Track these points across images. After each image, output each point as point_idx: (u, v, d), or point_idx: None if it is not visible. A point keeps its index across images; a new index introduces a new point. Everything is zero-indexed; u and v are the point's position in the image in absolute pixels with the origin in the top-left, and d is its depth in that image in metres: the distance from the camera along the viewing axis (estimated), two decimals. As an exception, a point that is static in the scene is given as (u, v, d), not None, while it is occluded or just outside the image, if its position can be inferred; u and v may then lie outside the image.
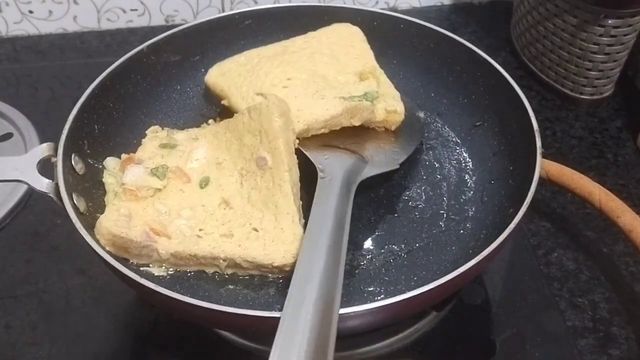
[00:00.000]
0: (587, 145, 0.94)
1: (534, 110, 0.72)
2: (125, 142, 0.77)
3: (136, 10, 1.12)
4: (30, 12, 1.09)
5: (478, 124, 0.79)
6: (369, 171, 0.70)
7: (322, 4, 0.89)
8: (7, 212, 0.83)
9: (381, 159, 0.73)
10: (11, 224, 0.83)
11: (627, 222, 0.68)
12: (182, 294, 0.57)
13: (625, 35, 0.91)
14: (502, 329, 0.74)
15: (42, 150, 0.67)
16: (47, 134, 0.92)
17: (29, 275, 0.78)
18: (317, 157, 0.70)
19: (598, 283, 0.78)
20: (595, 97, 0.99)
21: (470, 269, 0.58)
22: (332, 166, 0.69)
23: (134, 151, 0.75)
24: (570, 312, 0.75)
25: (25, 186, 0.84)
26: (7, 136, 0.94)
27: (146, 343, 0.73)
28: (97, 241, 0.63)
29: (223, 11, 1.13)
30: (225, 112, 0.79)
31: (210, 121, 0.81)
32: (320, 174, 0.67)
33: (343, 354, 0.70)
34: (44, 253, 0.80)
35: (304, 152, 0.70)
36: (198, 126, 0.79)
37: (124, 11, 1.12)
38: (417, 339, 0.72)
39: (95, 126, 0.75)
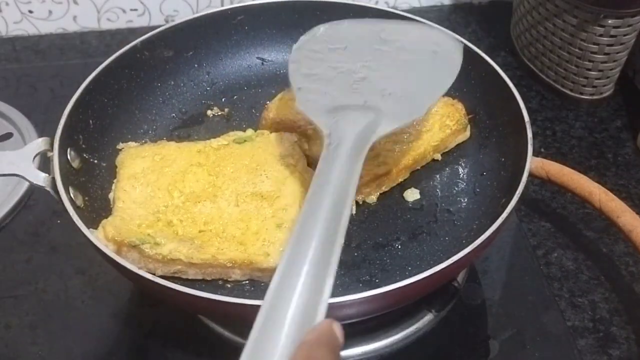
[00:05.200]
0: (587, 145, 0.94)
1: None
2: (120, 136, 0.78)
3: (136, 10, 1.12)
4: (30, 12, 1.09)
5: (470, 116, 0.79)
6: (386, 127, 0.59)
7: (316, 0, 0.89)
8: (7, 212, 0.83)
9: (402, 107, 0.62)
10: (11, 223, 0.83)
11: (627, 222, 0.68)
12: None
13: (625, 35, 0.91)
14: (502, 329, 0.74)
15: (38, 144, 0.68)
16: (46, 134, 0.91)
17: (29, 275, 0.78)
18: (325, 121, 0.60)
19: (598, 283, 0.78)
20: (595, 97, 0.99)
21: (462, 258, 0.59)
22: (341, 130, 0.58)
23: (127, 141, 0.77)
24: (570, 312, 0.75)
25: (25, 186, 0.85)
26: (7, 136, 0.94)
27: (146, 342, 0.73)
28: (95, 234, 0.63)
29: (223, 11, 1.13)
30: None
31: (209, 112, 0.84)
32: (325, 141, 0.58)
33: (342, 354, 0.70)
34: (44, 253, 0.80)
35: (310, 116, 0.63)
36: (193, 121, 0.82)
37: (124, 11, 1.12)
38: (417, 339, 0.72)
39: (90, 121, 0.75)
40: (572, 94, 1.00)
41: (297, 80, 0.66)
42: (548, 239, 0.82)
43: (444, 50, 0.68)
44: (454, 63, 0.67)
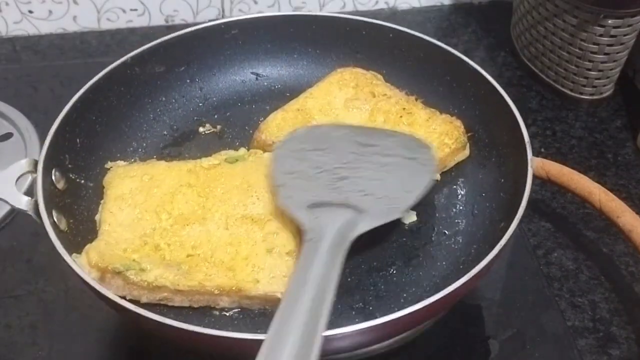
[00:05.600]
0: (587, 145, 0.94)
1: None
2: (109, 155, 0.77)
3: (136, 10, 1.12)
4: (30, 12, 1.09)
5: (468, 134, 0.78)
6: (365, 225, 0.62)
7: (310, 13, 0.88)
8: (8, 212, 0.83)
9: (381, 207, 0.65)
10: (11, 223, 0.83)
11: (627, 222, 0.68)
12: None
13: (625, 35, 0.91)
14: (502, 329, 0.74)
15: (22, 166, 0.67)
16: (47, 134, 0.91)
17: (29, 275, 0.78)
18: (306, 216, 0.63)
19: (598, 283, 0.78)
20: (595, 97, 0.99)
21: (459, 287, 0.58)
22: (322, 225, 0.60)
23: (116, 159, 0.75)
24: (570, 312, 0.75)
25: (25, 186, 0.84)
26: (7, 136, 0.94)
27: (147, 343, 0.73)
28: (77, 260, 0.62)
29: (223, 12, 1.13)
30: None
31: (201, 129, 0.83)
32: (306, 236, 0.60)
33: (342, 354, 0.70)
34: (44, 253, 0.80)
35: (290, 211, 0.65)
36: (184, 138, 0.81)
37: (124, 11, 1.12)
38: (417, 338, 0.72)
39: (78, 140, 0.74)
40: (572, 94, 1.00)
41: (279, 177, 0.68)
42: (548, 239, 0.82)
43: (419, 156, 0.70)
44: (429, 169, 0.70)
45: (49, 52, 1.09)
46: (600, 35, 0.91)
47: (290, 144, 0.72)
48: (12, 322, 0.74)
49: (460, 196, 0.76)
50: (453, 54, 0.81)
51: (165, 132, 0.83)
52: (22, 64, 1.07)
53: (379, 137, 0.73)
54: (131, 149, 0.80)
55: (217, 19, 1.06)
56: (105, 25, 1.13)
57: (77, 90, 0.74)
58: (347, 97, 0.80)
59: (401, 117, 0.78)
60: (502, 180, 0.74)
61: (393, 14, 1.16)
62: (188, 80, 0.86)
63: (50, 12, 1.10)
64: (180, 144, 0.82)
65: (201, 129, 0.83)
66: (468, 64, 0.79)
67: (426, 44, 0.83)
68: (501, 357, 0.71)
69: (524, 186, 0.66)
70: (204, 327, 0.55)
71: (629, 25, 0.90)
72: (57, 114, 0.71)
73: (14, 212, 0.84)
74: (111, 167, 0.74)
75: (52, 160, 0.68)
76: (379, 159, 0.70)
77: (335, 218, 0.61)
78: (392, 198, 0.66)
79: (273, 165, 0.70)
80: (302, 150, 0.71)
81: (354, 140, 0.72)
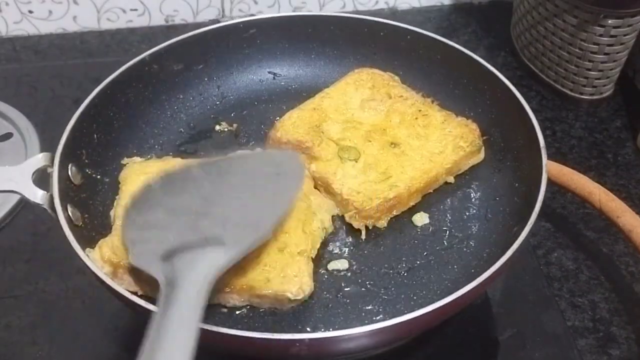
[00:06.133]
0: (587, 145, 0.94)
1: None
2: (125, 151, 0.77)
3: (136, 10, 1.12)
4: (30, 12, 1.09)
5: (484, 138, 0.78)
6: (229, 257, 0.58)
7: (329, 14, 0.88)
8: (8, 212, 0.83)
9: (245, 232, 0.60)
10: (11, 224, 0.83)
11: (627, 222, 0.68)
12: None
13: (625, 35, 0.91)
14: (502, 329, 0.74)
15: (38, 160, 0.67)
16: (47, 134, 0.92)
17: (29, 275, 0.78)
18: (161, 269, 0.57)
19: (598, 283, 0.78)
20: (595, 97, 0.99)
21: (470, 291, 0.58)
22: (177, 276, 0.55)
23: (132, 155, 0.75)
24: (570, 312, 0.75)
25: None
26: (7, 136, 0.94)
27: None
28: (90, 254, 0.62)
29: (223, 12, 1.13)
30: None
31: (217, 127, 0.83)
32: (161, 292, 0.54)
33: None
34: (44, 253, 0.80)
35: (144, 267, 0.59)
36: (200, 136, 0.81)
37: (124, 11, 1.12)
38: (417, 339, 0.72)
39: (95, 135, 0.74)
40: (572, 94, 1.00)
41: (130, 234, 0.62)
42: (548, 239, 0.82)
43: (286, 169, 0.66)
44: (296, 181, 0.66)
45: (49, 52, 1.09)
46: (600, 35, 0.91)
47: (140, 196, 0.64)
48: (12, 322, 0.74)
49: (474, 200, 0.75)
50: (470, 57, 0.81)
51: (182, 130, 0.83)
52: (22, 64, 1.07)
53: (238, 162, 0.69)
54: (148, 145, 0.80)
55: (217, 19, 1.06)
56: (105, 25, 1.13)
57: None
58: (364, 97, 0.81)
59: (417, 118, 0.78)
60: (517, 184, 0.73)
61: (393, 14, 1.16)
62: (206, 79, 0.86)
63: (50, 12, 1.10)
64: (197, 142, 0.82)
65: (217, 127, 0.83)
66: (485, 67, 0.79)
67: (443, 46, 0.83)
68: (501, 357, 0.71)
69: (538, 193, 0.65)
70: (213, 325, 0.55)
71: (629, 25, 0.90)
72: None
73: (14, 212, 0.84)
74: (127, 163, 0.74)
75: (69, 155, 0.69)
76: (239, 185, 0.64)
77: (192, 265, 0.57)
78: (256, 220, 0.62)
79: (123, 223, 0.63)
80: (154, 199, 0.63)
81: (210, 173, 0.65)
